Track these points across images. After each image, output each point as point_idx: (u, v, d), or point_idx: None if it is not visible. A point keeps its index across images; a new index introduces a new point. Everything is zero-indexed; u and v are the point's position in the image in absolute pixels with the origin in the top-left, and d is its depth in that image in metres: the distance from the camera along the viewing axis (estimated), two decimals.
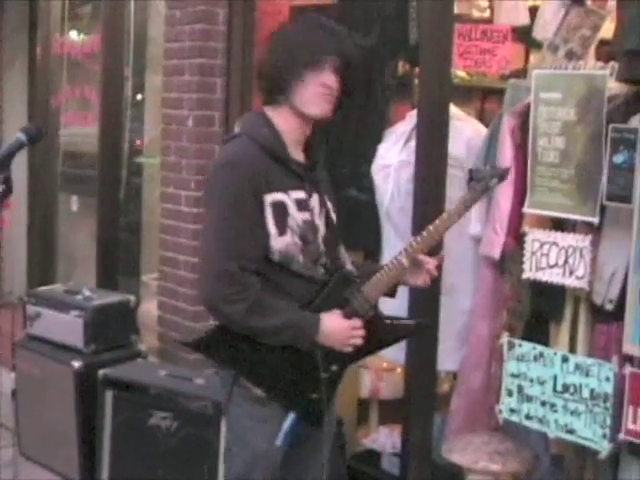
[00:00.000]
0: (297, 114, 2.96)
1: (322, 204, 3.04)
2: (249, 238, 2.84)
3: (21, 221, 8.16)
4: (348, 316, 2.96)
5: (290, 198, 2.91)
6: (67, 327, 4.95)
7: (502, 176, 3.03)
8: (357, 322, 2.97)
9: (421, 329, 3.55)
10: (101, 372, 4.56)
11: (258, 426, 2.95)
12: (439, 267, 3.16)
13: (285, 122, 2.97)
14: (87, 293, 5.12)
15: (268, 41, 3.07)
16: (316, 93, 2.92)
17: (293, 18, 5.56)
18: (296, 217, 2.91)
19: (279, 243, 2.87)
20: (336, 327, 2.93)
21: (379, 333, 3.06)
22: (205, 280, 2.89)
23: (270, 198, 2.87)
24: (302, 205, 2.95)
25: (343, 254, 3.09)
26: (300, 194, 2.95)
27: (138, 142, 6.72)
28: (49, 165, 7.32)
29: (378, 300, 3.04)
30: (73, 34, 7.39)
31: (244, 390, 2.96)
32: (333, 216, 3.08)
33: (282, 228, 2.88)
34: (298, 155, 3.02)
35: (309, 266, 2.95)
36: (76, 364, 4.75)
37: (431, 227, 2.96)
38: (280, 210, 2.88)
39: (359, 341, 2.97)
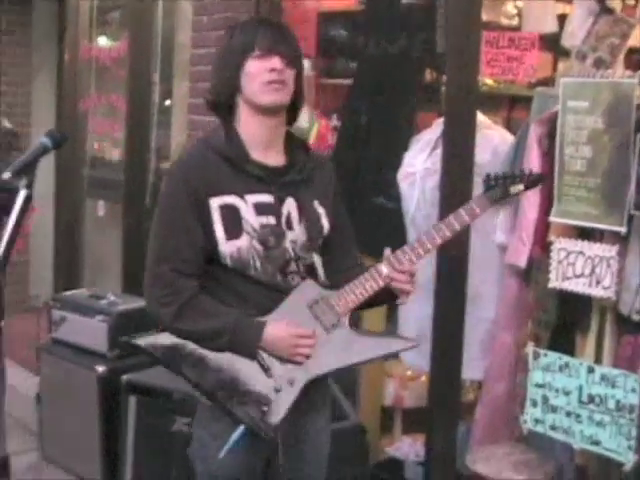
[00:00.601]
0: (253, 109, 2.87)
1: (302, 209, 2.91)
2: (184, 242, 2.79)
3: (48, 226, 8.20)
4: (297, 325, 2.81)
5: (246, 202, 2.82)
6: (91, 332, 4.96)
7: (530, 183, 2.93)
8: (305, 331, 2.80)
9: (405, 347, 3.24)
10: (124, 377, 4.56)
11: (210, 440, 2.87)
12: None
13: (246, 124, 2.89)
14: (112, 298, 5.13)
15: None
16: (263, 80, 2.83)
17: (320, 24, 5.57)
18: (252, 221, 2.81)
19: (229, 247, 2.79)
20: (280, 335, 2.79)
21: (353, 346, 2.87)
22: (144, 283, 2.87)
23: (217, 201, 2.80)
24: (264, 209, 2.84)
25: (317, 261, 2.95)
26: (262, 197, 2.85)
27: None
28: (76, 170, 7.34)
29: (349, 310, 2.86)
30: (101, 40, 7.42)
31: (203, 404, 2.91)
32: (324, 222, 2.96)
33: (233, 232, 2.80)
34: (269, 158, 2.90)
35: (271, 273, 2.83)
36: (100, 369, 4.77)
37: (424, 236, 2.86)
38: (231, 214, 2.80)
39: (307, 351, 2.80)
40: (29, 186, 2.80)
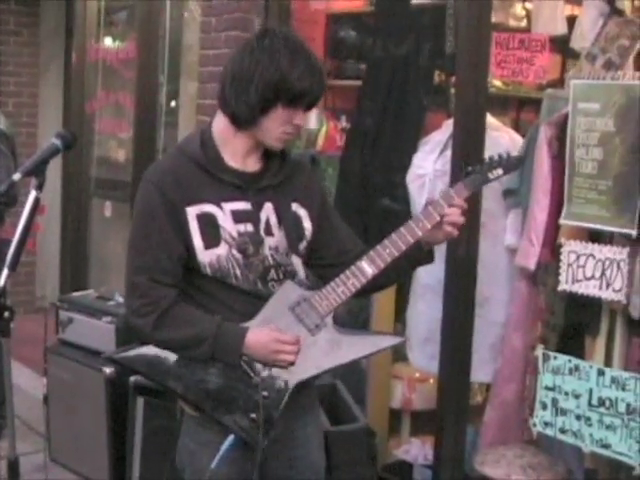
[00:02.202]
0: (249, 137, 2.82)
1: (280, 213, 2.87)
2: (161, 251, 2.75)
3: (55, 226, 8.21)
4: (280, 330, 2.76)
5: (223, 209, 2.79)
6: (99, 333, 4.95)
7: (509, 166, 2.93)
8: (288, 337, 2.75)
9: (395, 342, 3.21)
10: (132, 379, 4.55)
11: (199, 449, 2.83)
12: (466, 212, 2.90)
13: (228, 138, 2.84)
14: (119, 299, 5.12)
15: (246, 49, 2.81)
16: (284, 131, 2.80)
17: (329, 25, 5.57)
18: (229, 229, 2.78)
19: (207, 256, 2.76)
20: (262, 340, 2.72)
21: (340, 347, 2.82)
22: (124, 293, 2.85)
23: (194, 210, 2.76)
24: (242, 216, 2.80)
25: (297, 264, 2.89)
26: (240, 205, 2.81)
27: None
28: (83, 171, 7.35)
29: (332, 310, 2.80)
30: (108, 40, 7.44)
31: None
32: (306, 224, 2.92)
33: (211, 241, 2.76)
34: (246, 164, 2.86)
35: (252, 280, 2.79)
36: (108, 370, 4.75)
37: (403, 229, 2.80)
38: (208, 222, 2.77)
39: (291, 357, 2.75)
40: (40, 187, 2.81)
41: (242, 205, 2.81)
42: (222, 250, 2.77)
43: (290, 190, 2.91)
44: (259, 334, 2.74)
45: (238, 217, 2.80)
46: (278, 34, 2.79)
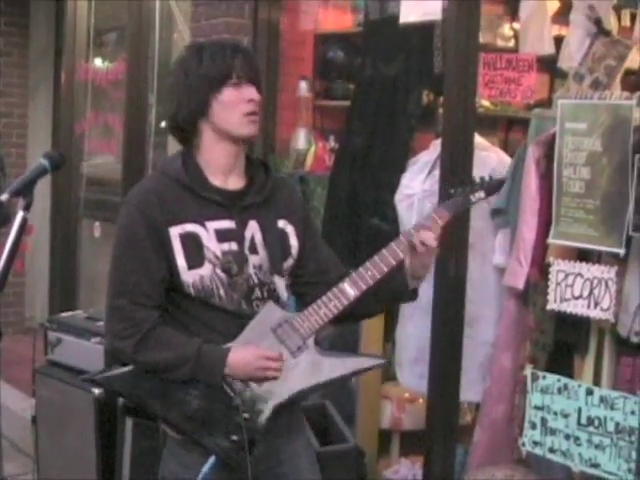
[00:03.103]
0: (220, 136, 2.81)
1: (265, 231, 2.85)
2: (143, 273, 2.74)
3: (44, 247, 8.20)
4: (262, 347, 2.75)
5: (207, 229, 2.77)
6: (88, 354, 4.92)
7: (490, 189, 2.93)
8: (269, 353, 2.73)
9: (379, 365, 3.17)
10: (121, 400, 4.53)
11: (182, 471, 2.80)
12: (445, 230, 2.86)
13: (209, 150, 2.82)
14: None
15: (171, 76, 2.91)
16: (242, 112, 2.78)
17: (318, 46, 5.58)
18: (213, 248, 2.76)
19: (191, 277, 2.74)
20: (243, 359, 2.71)
21: (321, 369, 2.79)
22: (105, 317, 2.83)
23: (177, 230, 2.74)
24: (226, 235, 2.78)
25: (279, 284, 2.87)
26: (224, 223, 2.79)
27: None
28: (72, 191, 7.34)
29: (314, 332, 2.78)
30: (98, 61, 7.44)
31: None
32: (292, 242, 2.90)
33: (195, 261, 2.74)
34: (229, 182, 2.85)
35: (236, 300, 2.77)
36: (96, 391, 4.73)
37: (385, 251, 2.78)
38: (192, 242, 2.75)
39: (274, 373, 2.74)
40: (27, 207, 2.80)
41: (226, 224, 2.80)
42: (206, 270, 2.75)
43: (275, 207, 2.89)
44: (244, 352, 2.73)
45: (222, 236, 2.78)
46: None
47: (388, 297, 2.95)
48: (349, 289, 2.77)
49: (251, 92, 2.79)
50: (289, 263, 2.90)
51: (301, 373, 2.78)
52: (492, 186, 2.95)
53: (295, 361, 2.78)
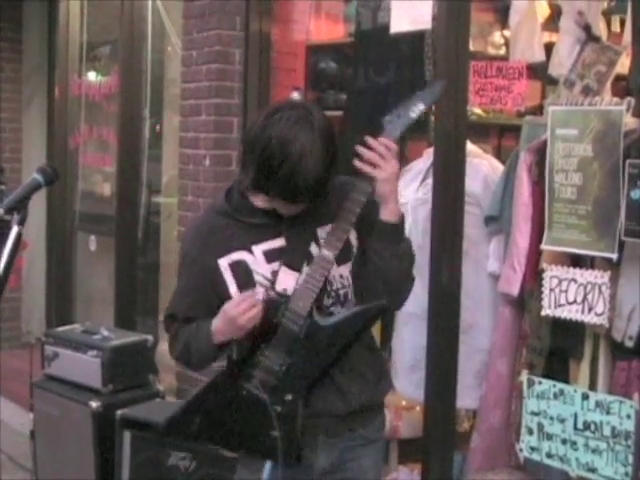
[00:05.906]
0: None
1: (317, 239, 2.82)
2: (195, 301, 2.88)
3: (40, 261, 8.20)
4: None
5: (253, 252, 2.79)
6: (85, 367, 4.94)
7: (427, 97, 2.88)
8: (237, 298, 2.72)
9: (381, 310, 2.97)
10: (119, 412, 4.54)
11: None
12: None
13: None
14: (105, 333, 5.12)
15: (269, 115, 2.70)
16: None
17: (309, 56, 5.59)
18: (262, 271, 2.78)
19: None
20: (222, 319, 2.72)
21: (324, 341, 2.76)
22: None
23: (227, 261, 2.80)
24: (275, 255, 2.78)
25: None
26: (274, 243, 2.79)
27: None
28: (67, 205, 7.35)
29: (311, 307, 2.73)
30: (91, 75, 7.45)
31: None
32: (352, 240, 2.84)
33: (246, 286, 2.78)
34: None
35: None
36: (94, 404, 4.74)
37: (346, 203, 2.72)
38: (241, 269, 2.79)
39: (254, 310, 2.65)
40: (22, 222, 2.80)
41: (276, 243, 2.80)
42: (258, 294, 2.76)
43: (326, 212, 2.80)
44: (221, 313, 2.74)
45: (271, 256, 2.79)
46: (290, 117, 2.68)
47: (377, 246, 2.80)
48: (326, 252, 2.73)
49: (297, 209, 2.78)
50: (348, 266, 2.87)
51: (313, 352, 2.76)
52: (428, 94, 2.89)
53: (306, 343, 2.75)
